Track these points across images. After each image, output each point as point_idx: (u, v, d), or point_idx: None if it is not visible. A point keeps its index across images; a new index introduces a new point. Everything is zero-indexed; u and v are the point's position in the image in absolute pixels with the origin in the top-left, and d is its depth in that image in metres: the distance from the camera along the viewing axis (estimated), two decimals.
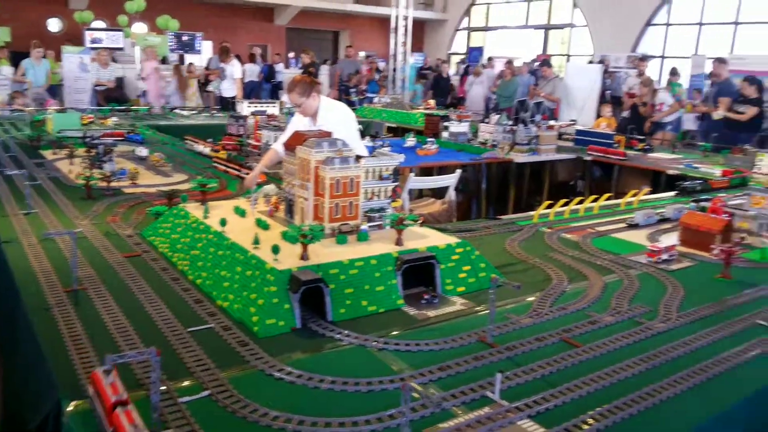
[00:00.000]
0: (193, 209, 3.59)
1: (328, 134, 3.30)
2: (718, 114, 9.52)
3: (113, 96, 12.65)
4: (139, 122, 9.68)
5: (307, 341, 2.53)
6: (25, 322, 2.63)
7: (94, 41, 15.77)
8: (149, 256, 3.44)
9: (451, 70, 18.10)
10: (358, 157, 3.19)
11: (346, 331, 2.58)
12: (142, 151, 6.35)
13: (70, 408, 1.96)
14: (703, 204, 4.35)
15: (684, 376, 2.30)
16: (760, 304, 3.03)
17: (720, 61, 10.50)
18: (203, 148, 7.03)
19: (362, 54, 21.32)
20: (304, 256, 2.77)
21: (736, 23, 16.72)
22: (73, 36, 17.56)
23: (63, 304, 2.74)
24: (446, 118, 9.42)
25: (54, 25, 19.37)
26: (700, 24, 17.51)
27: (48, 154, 6.48)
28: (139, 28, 17.65)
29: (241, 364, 2.32)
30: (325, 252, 2.89)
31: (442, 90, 15.69)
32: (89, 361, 2.26)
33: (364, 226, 3.19)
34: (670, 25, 18.25)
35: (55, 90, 12.79)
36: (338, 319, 2.70)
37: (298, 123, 4.76)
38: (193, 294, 2.93)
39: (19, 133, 7.98)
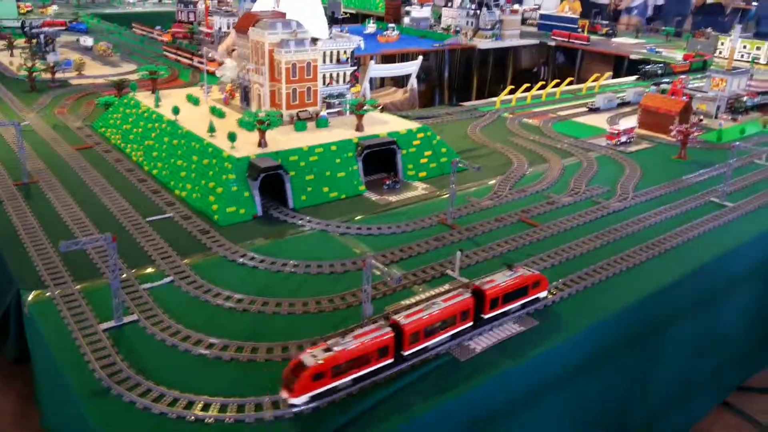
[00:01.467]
0: (144, 98, 3.44)
1: (282, 15, 3.14)
2: None
3: None
4: (82, 10, 9.08)
5: (269, 228, 2.52)
6: None
7: None
8: (101, 147, 3.33)
9: None
10: (314, 40, 3.05)
11: (308, 218, 2.58)
12: (87, 41, 6.00)
13: (30, 298, 1.94)
14: (663, 86, 4.35)
15: (637, 251, 2.38)
16: (714, 182, 3.11)
17: None
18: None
19: None
20: (261, 143, 2.71)
21: None
22: None
23: (14, 198, 2.66)
24: (408, 2, 9.07)
25: None
26: None
27: None
28: None
29: (202, 251, 2.31)
30: (283, 139, 2.83)
31: None
32: (46, 252, 2.22)
33: (324, 113, 3.11)
34: None
35: None
36: (300, 206, 2.69)
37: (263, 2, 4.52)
38: (149, 184, 2.87)
39: None
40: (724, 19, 9.72)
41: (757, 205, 2.88)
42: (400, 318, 1.62)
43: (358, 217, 2.63)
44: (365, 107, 3.01)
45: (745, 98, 4.37)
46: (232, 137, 2.68)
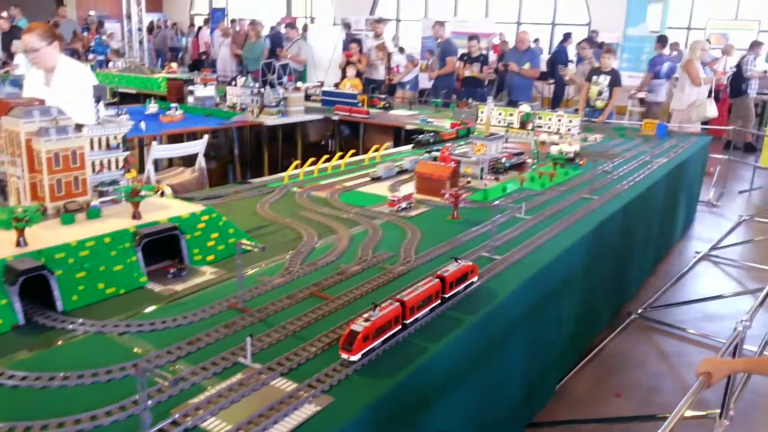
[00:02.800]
0: None
1: (41, 102, 2.92)
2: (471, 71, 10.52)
3: None
4: None
5: (34, 337, 2.24)
6: None
7: None
8: None
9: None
10: (79, 126, 2.86)
11: (80, 320, 2.34)
12: None
13: None
14: (434, 154, 4.75)
15: None
16: (484, 237, 3.40)
17: (439, 23, 11.53)
18: None
19: (92, 14, 19.33)
20: (20, 243, 2.44)
21: None
22: None
23: None
24: (190, 82, 8.97)
25: None
26: None
27: None
28: None
29: None
30: (48, 235, 2.57)
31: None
32: None
33: (95, 202, 2.90)
34: None
35: None
36: (71, 307, 2.43)
37: (31, 82, 4.17)
38: None
39: None
40: (483, 90, 10.98)
41: (520, 255, 3.20)
42: (403, 296, 2.18)
43: (141, 313, 2.45)
44: (141, 193, 2.86)
45: (503, 159, 4.93)
46: None
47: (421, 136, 6.19)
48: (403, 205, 3.85)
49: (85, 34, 15.20)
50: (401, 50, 12.31)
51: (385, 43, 11.77)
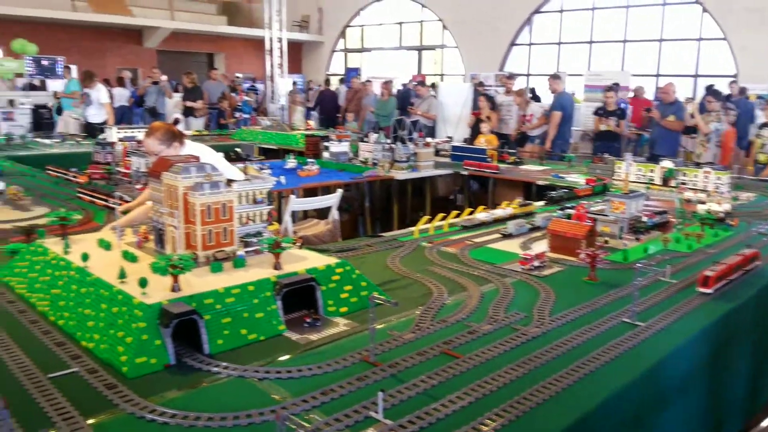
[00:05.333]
0: (53, 245, 3.33)
1: (196, 158, 3.18)
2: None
3: None
4: None
5: (183, 378, 2.39)
6: None
7: None
8: (4, 298, 3.15)
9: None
10: (230, 182, 3.09)
11: (224, 363, 2.47)
12: None
13: None
14: (568, 211, 4.61)
15: (558, 377, 2.39)
16: (624, 302, 3.23)
17: (554, 76, 11.38)
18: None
19: (239, 76, 21.01)
20: (175, 288, 2.63)
21: (591, 42, 18.11)
22: None
23: None
24: (326, 138, 9.43)
25: None
26: (559, 43, 18.81)
27: None
28: None
29: (108, 408, 2.15)
30: (198, 282, 2.76)
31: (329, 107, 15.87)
32: None
33: (241, 252, 3.09)
34: (533, 44, 19.44)
35: None
36: (216, 351, 2.58)
37: None
38: (54, 336, 2.70)
39: None
40: (619, 145, 10.62)
41: (667, 322, 2.99)
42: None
43: (279, 359, 2.55)
44: (282, 245, 3.01)
45: (644, 218, 4.69)
46: (143, 283, 2.59)
47: (554, 192, 6.05)
48: (536, 263, 3.75)
49: (234, 94, 16.49)
50: (537, 98, 12.24)
51: (524, 89, 11.79)
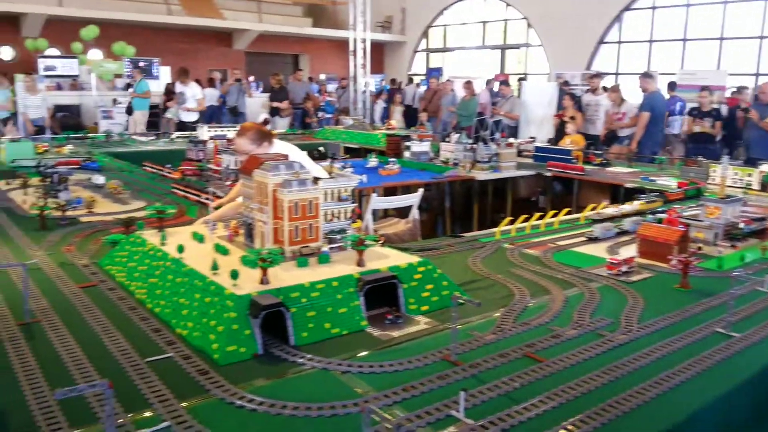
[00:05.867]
0: (150, 236, 3.52)
1: (285, 157, 3.29)
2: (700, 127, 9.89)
3: (69, 123, 12.42)
4: (96, 149, 9.50)
5: (269, 367, 2.48)
6: None
7: (47, 69, 15.53)
8: (106, 285, 3.35)
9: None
10: (316, 179, 3.17)
11: (309, 355, 2.54)
12: (99, 179, 6.22)
13: None
14: (659, 216, 4.44)
15: (646, 386, 2.32)
16: (718, 312, 3.08)
17: (646, 75, 10.90)
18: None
19: (322, 77, 21.41)
20: (264, 281, 2.73)
21: (685, 40, 17.31)
22: (27, 64, 17.23)
23: (16, 338, 2.65)
24: (408, 138, 9.47)
25: (6, 53, 18.98)
26: (651, 41, 18.08)
27: (1, 184, 6.31)
28: (95, 54, 17.41)
29: (201, 393, 2.26)
30: (285, 275, 2.85)
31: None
32: (43, 396, 2.18)
33: (325, 248, 3.16)
34: (622, 42, 18.77)
35: (12, 118, 12.51)
36: (301, 343, 2.66)
37: None
38: (151, 323, 2.86)
39: None
40: (714, 147, 10.11)
41: (764, 334, 2.84)
42: None
43: (360, 354, 2.59)
44: (366, 243, 3.07)
45: (741, 225, 4.45)
46: (234, 275, 2.71)
47: (643, 195, 5.83)
48: (624, 269, 3.64)
49: (317, 94, 16.84)
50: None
51: (618, 86, 11.42)
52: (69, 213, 4.81)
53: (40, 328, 2.76)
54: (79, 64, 16.01)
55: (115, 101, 14.83)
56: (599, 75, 12.60)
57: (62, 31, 17.82)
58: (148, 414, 2.10)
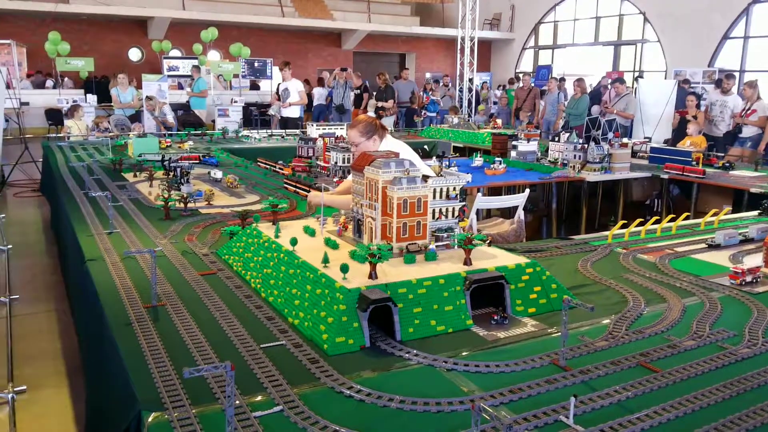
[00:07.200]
0: (265, 229, 3.68)
1: (396, 154, 3.33)
2: None
3: (190, 121, 13.19)
4: (213, 146, 10.04)
5: (376, 360, 2.53)
6: (109, 340, 2.76)
7: (170, 69, 16.55)
8: (224, 274, 3.54)
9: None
10: (425, 177, 3.19)
11: (414, 351, 2.57)
12: (217, 174, 6.57)
13: (149, 420, 2.03)
14: None
15: None
16: None
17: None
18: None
19: (428, 75, 21.46)
20: (372, 275, 2.79)
21: None
22: (152, 65, 18.47)
23: (143, 320, 2.85)
24: (514, 137, 9.32)
25: (134, 54, 20.42)
26: None
27: (129, 176, 6.81)
28: (213, 56, 18.39)
29: (311, 380, 2.34)
30: (393, 271, 2.90)
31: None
32: (167, 374, 2.33)
33: (432, 246, 3.18)
34: (749, 38, 17.51)
35: (138, 116, 13.47)
36: (407, 338, 2.69)
37: None
38: (265, 311, 2.99)
39: (102, 157, 8.44)
40: None
41: None
42: None
43: (465, 353, 2.59)
44: (474, 242, 3.05)
45: None
46: (344, 269, 2.78)
47: None
48: (748, 278, 3.41)
49: (423, 93, 16.90)
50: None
51: (756, 81, 10.70)
52: (190, 205, 5.11)
53: (164, 311, 2.96)
54: (200, 65, 16.96)
55: (232, 100, 15.58)
56: (731, 76, 11.79)
57: (185, 33, 18.96)
58: (261, 397, 2.21)
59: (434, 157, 8.21)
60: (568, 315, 2.50)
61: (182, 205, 5.03)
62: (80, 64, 16.78)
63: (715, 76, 13.32)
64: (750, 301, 3.20)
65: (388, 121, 14.45)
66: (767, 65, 16.58)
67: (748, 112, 10.25)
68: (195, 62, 16.45)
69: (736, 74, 14.72)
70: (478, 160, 8.37)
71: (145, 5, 18.86)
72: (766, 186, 6.89)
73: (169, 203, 4.87)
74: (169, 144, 9.58)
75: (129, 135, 10.02)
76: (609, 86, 13.85)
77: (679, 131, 10.47)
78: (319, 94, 15.75)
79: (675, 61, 18.31)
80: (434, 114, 15.59)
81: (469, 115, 16.09)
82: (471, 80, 17.40)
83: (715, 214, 5.00)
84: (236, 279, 3.45)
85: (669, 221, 4.79)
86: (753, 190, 6.85)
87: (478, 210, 6.43)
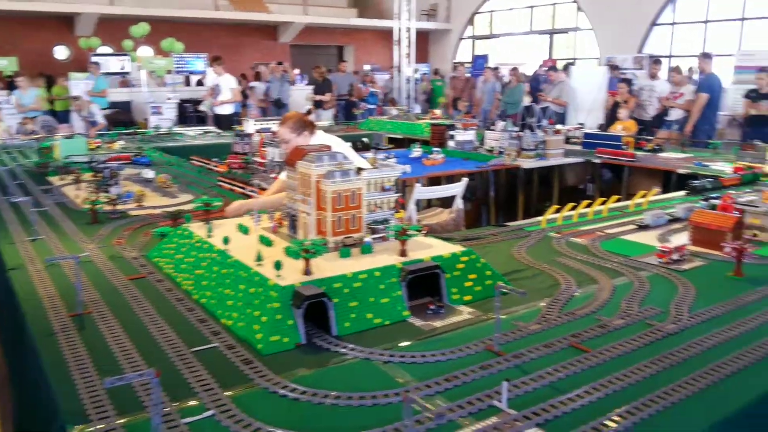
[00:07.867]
0: (197, 229, 3.59)
1: (328, 148, 3.29)
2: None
3: (120, 119, 12.78)
4: (146, 144, 9.75)
5: (312, 357, 2.50)
6: (32, 352, 2.63)
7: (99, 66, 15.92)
8: (154, 277, 3.43)
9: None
10: (359, 170, 3.17)
11: (351, 345, 2.55)
12: (149, 173, 6.38)
13: None
14: (713, 202, 4.29)
15: (696, 377, 2.25)
16: None
17: (704, 55, 10.52)
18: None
19: (366, 67, 21.42)
20: (307, 271, 2.75)
21: (743, 19, 16.62)
22: (81, 63, 17.78)
23: (68, 329, 2.73)
24: (452, 127, 9.40)
25: (60, 53, 19.62)
26: (706, 22, 17.43)
27: (55, 180, 6.54)
28: (145, 51, 17.84)
29: (244, 382, 2.29)
30: (328, 266, 2.87)
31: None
32: (93, 384, 2.24)
33: (368, 239, 3.16)
34: (676, 24, 18.16)
35: (64, 116, 12.95)
36: (343, 333, 2.67)
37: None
38: (197, 313, 2.91)
39: (26, 161, 8.07)
40: None
41: None
42: None
43: (402, 344, 2.59)
44: (409, 233, 3.05)
45: None
46: (277, 265, 2.73)
47: (697, 181, 5.64)
48: (675, 257, 3.53)
49: (361, 86, 16.85)
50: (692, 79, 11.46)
51: (679, 67, 11.11)
52: (119, 207, 4.94)
53: (90, 319, 2.85)
54: (131, 61, 16.42)
55: (169, 98, 15.15)
56: (658, 61, 12.20)
57: (114, 29, 18.32)
58: (193, 403, 2.15)
59: (372, 150, 8.20)
60: (502, 301, 2.53)
61: (110, 207, 4.86)
62: (3, 63, 16.03)
63: (644, 61, 13.74)
64: (676, 279, 3.31)
65: (327, 115, 14.36)
66: (694, 50, 17.23)
67: (675, 95, 10.64)
68: (94, 59, 15.70)
69: (663, 60, 15.26)
70: (416, 151, 8.40)
71: (72, 1, 18.13)
72: (692, 166, 7.16)
73: (97, 206, 4.70)
74: (98, 144, 9.24)
75: (54, 137, 9.61)
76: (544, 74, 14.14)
77: (611, 117, 10.78)
78: (258, 90, 15.48)
79: (607, 48, 18.82)
80: (374, 106, 15.58)
81: (408, 107, 16.15)
82: (416, 70, 17.48)
83: (644, 196, 5.16)
84: (167, 282, 3.35)
85: (600, 204, 4.91)
86: (680, 171, 7.11)
87: (417, 200, 6.45)
